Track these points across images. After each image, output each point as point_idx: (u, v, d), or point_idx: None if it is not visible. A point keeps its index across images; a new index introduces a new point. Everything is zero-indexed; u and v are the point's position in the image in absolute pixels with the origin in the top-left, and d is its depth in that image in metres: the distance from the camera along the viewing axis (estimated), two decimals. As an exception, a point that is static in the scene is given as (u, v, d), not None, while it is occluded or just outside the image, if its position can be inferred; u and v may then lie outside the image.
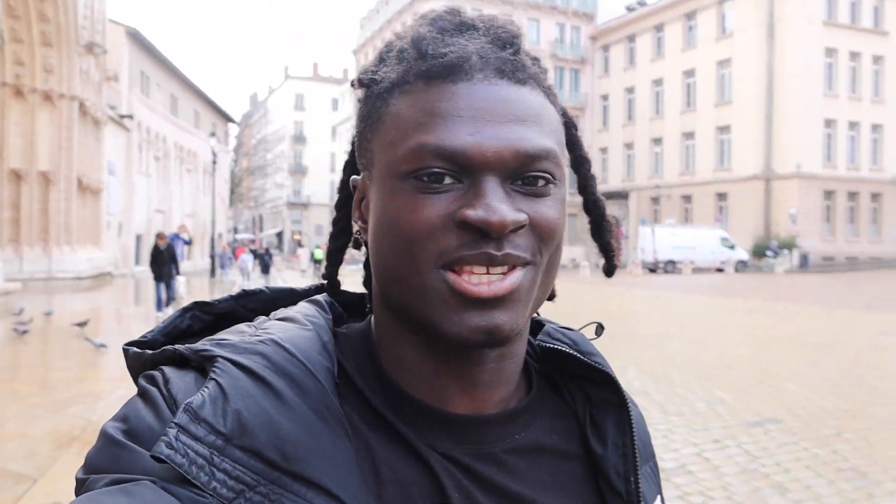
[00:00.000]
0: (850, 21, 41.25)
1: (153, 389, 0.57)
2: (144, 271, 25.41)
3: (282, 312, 0.68)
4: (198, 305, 0.72)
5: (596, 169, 0.76)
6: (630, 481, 0.69)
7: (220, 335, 0.63)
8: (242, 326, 0.65)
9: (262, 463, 0.52)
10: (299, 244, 45.88)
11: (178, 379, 0.58)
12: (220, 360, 0.57)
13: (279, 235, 78.92)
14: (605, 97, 52.47)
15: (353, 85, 0.67)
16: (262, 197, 72.46)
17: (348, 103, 70.44)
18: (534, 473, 0.65)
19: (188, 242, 19.46)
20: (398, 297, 0.62)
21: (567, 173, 0.66)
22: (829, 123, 40.35)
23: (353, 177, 0.69)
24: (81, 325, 11.27)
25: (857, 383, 8.61)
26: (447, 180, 0.58)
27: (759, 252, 38.33)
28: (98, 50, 25.27)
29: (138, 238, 35.31)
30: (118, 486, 0.50)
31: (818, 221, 39.96)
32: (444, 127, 0.58)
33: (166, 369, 0.59)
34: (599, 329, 0.79)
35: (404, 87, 0.61)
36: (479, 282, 0.58)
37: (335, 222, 0.76)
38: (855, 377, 8.99)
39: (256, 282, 28.00)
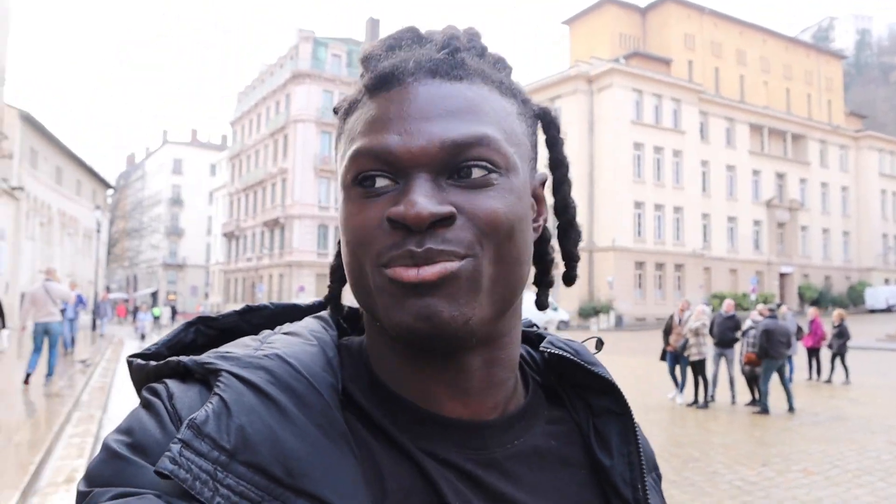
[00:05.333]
0: (654, 122, 49.55)
1: (157, 402, 0.56)
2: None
3: (287, 327, 0.67)
4: (202, 320, 0.71)
5: None
6: (637, 488, 0.68)
7: (224, 348, 0.61)
8: (247, 340, 0.64)
9: (265, 479, 0.51)
10: (137, 309, 40.79)
11: (182, 393, 0.57)
12: (224, 373, 0.56)
13: (154, 295, 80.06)
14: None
15: (335, 112, 0.67)
16: (137, 257, 73.81)
17: (225, 170, 73.67)
18: (535, 479, 0.64)
19: (84, 302, 19.01)
20: (357, 301, 0.62)
21: (529, 165, 0.65)
22: (638, 205, 47.75)
23: None
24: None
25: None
26: (384, 183, 0.58)
27: (584, 313, 44.26)
28: (0, 137, 29.07)
29: (22, 296, 37.47)
30: (123, 500, 0.49)
31: (631, 287, 46.67)
32: (376, 132, 0.58)
33: (170, 382, 0.59)
34: (599, 343, 0.80)
35: (355, 104, 0.63)
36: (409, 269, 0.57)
37: (338, 243, 0.71)
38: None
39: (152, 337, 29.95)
